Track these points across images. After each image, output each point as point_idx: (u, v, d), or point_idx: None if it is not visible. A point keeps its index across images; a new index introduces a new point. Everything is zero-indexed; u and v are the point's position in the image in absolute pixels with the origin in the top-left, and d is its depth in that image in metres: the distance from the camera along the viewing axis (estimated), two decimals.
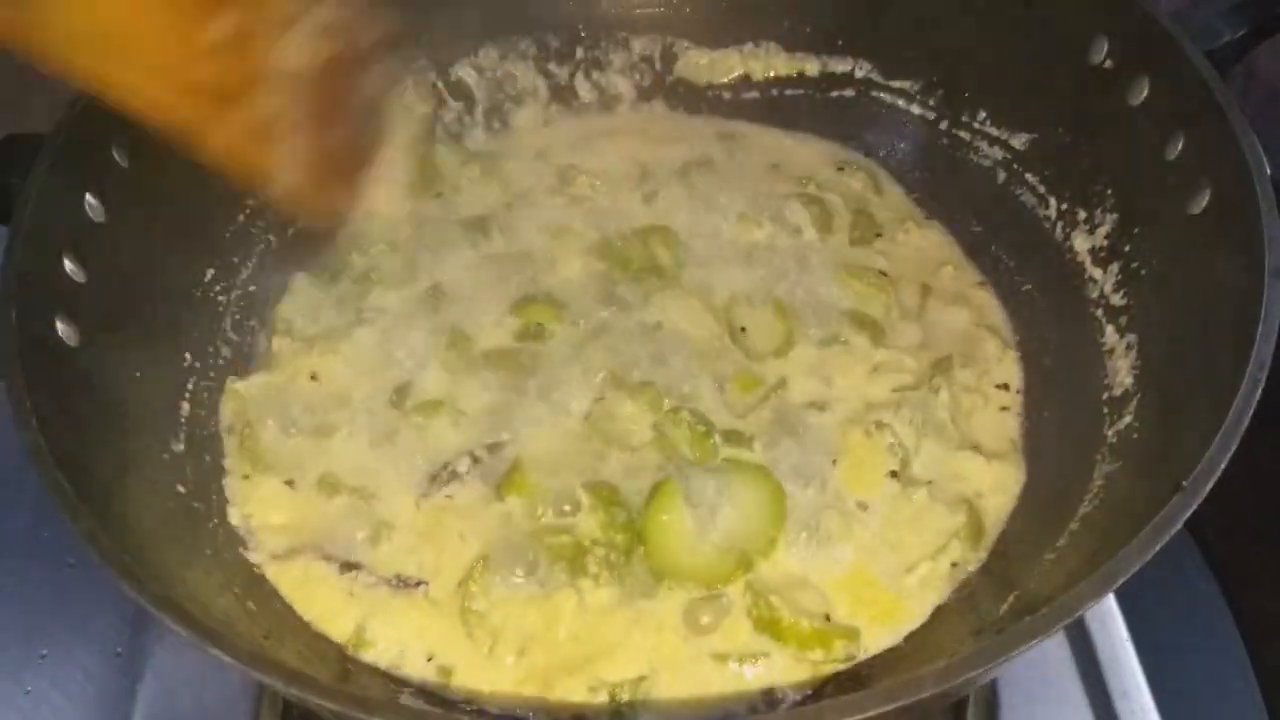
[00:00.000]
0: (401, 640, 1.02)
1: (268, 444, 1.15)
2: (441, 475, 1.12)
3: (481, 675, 1.00)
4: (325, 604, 1.05)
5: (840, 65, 1.42)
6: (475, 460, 1.12)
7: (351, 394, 1.19)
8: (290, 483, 1.13)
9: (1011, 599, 0.93)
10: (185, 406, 1.13)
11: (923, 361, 1.19)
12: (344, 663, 1.01)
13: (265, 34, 0.95)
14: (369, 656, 1.01)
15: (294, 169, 1.02)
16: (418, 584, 1.06)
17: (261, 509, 1.11)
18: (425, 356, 1.21)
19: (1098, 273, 1.15)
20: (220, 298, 1.23)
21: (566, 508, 1.07)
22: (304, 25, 0.97)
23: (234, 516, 1.10)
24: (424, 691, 0.99)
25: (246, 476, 1.13)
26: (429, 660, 1.01)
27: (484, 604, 1.02)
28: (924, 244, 1.33)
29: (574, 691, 0.97)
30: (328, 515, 1.11)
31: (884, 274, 1.28)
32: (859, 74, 1.42)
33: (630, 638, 1.01)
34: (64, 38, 0.88)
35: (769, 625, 1.00)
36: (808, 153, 1.44)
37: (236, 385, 1.19)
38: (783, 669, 0.99)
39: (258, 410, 1.17)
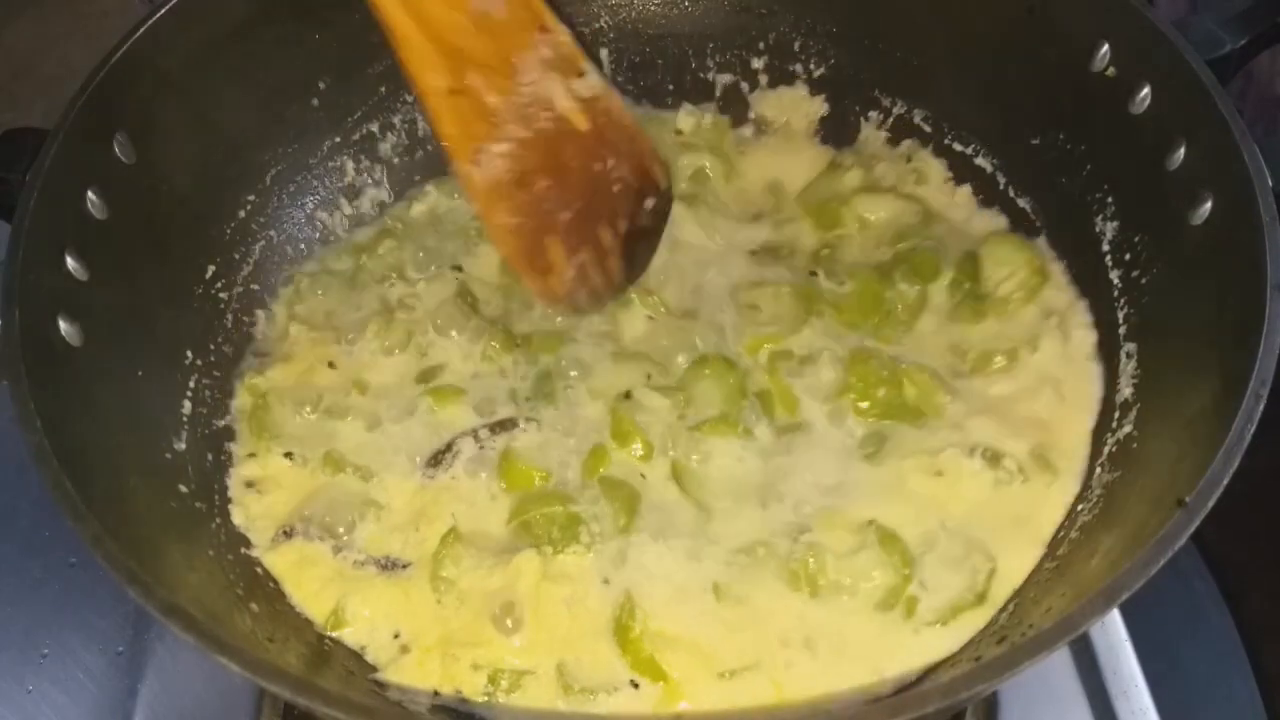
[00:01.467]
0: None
1: (278, 418, 1.16)
2: (446, 458, 1.13)
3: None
4: (310, 587, 1.06)
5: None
6: (479, 441, 1.13)
7: (369, 380, 1.20)
8: (289, 455, 1.14)
9: (1011, 607, 0.93)
10: (187, 405, 1.13)
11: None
12: (350, 665, 1.01)
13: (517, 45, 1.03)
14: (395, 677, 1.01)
15: (502, 207, 1.06)
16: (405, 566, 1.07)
17: (264, 479, 1.13)
18: (444, 342, 1.22)
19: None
20: (222, 295, 1.23)
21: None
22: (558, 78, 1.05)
23: (237, 516, 1.10)
24: None
25: (253, 454, 1.15)
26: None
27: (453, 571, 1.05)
28: None
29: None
30: (329, 491, 1.12)
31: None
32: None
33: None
34: None
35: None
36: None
37: (255, 380, 1.20)
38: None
39: (275, 392, 1.18)
